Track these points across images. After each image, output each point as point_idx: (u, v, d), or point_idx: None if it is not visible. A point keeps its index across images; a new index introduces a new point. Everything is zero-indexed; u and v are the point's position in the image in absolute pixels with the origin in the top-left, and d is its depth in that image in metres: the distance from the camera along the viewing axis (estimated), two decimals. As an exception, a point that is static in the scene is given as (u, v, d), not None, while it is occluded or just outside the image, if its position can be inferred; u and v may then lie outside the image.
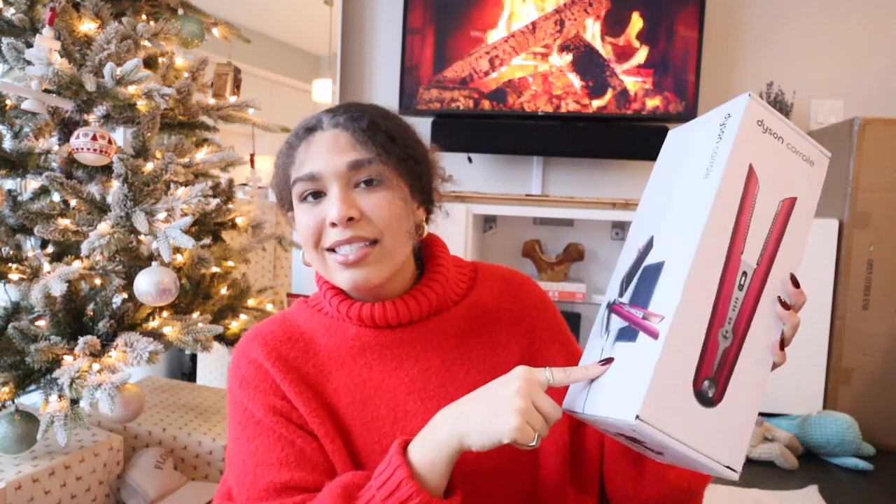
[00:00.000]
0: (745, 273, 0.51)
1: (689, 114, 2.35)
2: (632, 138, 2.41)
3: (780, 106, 2.37)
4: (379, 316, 0.68)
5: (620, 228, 2.63)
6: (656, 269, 0.54)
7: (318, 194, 0.65)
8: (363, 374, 0.69)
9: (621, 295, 0.58)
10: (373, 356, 0.70)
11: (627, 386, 0.49)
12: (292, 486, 0.63)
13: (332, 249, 0.65)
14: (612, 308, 0.59)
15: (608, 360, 0.54)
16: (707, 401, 0.48)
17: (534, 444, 0.52)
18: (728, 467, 0.48)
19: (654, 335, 0.49)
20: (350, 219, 0.63)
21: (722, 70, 2.54)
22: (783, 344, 0.51)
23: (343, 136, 0.65)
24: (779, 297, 0.52)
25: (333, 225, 0.63)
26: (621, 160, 2.59)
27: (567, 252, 2.56)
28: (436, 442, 0.56)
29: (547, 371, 0.55)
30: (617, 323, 0.56)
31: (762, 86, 2.47)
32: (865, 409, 2.07)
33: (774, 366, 0.52)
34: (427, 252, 0.75)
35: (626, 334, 0.53)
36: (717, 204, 0.50)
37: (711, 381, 0.48)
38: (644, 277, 0.55)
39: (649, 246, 0.58)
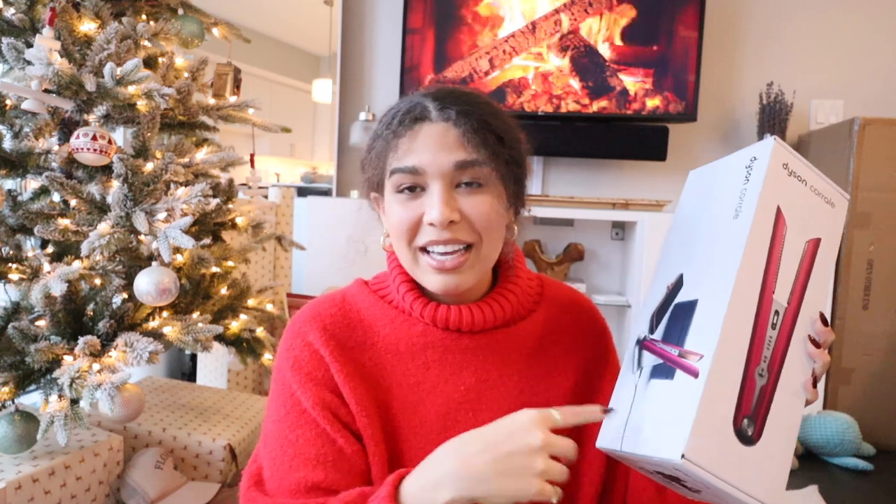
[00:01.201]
0: (777, 312, 0.52)
1: (689, 114, 2.35)
2: (632, 138, 2.41)
3: (780, 106, 2.36)
4: (454, 319, 0.67)
5: (620, 228, 2.63)
6: (689, 307, 0.54)
7: (414, 188, 0.62)
8: (419, 374, 0.68)
9: (652, 332, 0.58)
10: (433, 357, 0.68)
11: (668, 425, 0.49)
12: (324, 487, 0.62)
13: (425, 250, 0.63)
14: (644, 344, 0.59)
15: (608, 411, 0.57)
16: (747, 439, 0.48)
17: (555, 500, 0.51)
18: None
19: (693, 374, 0.49)
20: (451, 222, 0.61)
21: (722, 70, 2.54)
22: (814, 382, 0.52)
23: (452, 132, 0.61)
24: (809, 335, 0.53)
25: (432, 224, 0.61)
26: (621, 160, 2.59)
27: (567, 252, 2.56)
28: (433, 497, 0.52)
29: (556, 412, 0.54)
30: (650, 360, 0.56)
31: (762, 86, 2.47)
32: (865, 409, 2.07)
33: (807, 403, 0.52)
34: (504, 260, 0.72)
35: (662, 372, 0.53)
36: (749, 244, 0.51)
37: (750, 420, 0.49)
38: (676, 315, 0.56)
39: (679, 284, 0.58)
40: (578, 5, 2.39)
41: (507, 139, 0.64)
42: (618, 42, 2.39)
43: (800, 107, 2.47)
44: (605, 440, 0.57)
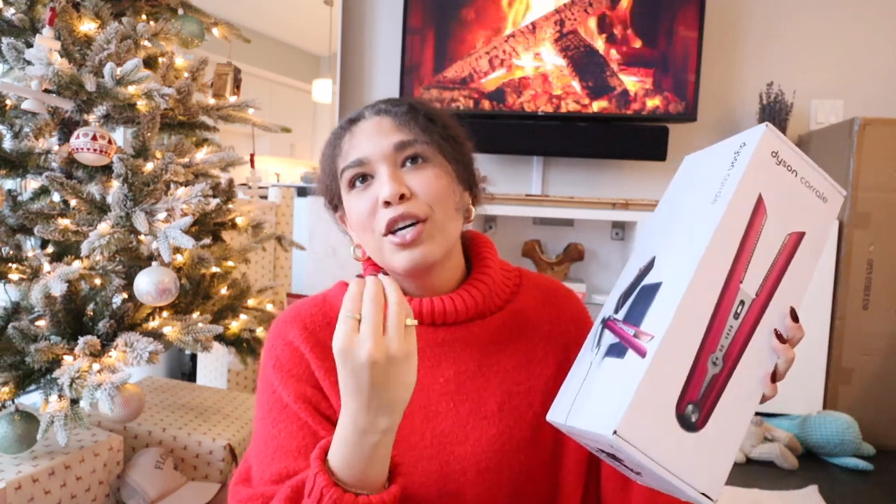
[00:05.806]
0: (742, 302, 0.51)
1: (688, 114, 2.35)
2: (632, 138, 2.41)
3: (780, 106, 2.37)
4: (426, 312, 0.69)
5: (620, 228, 2.63)
6: (653, 288, 0.54)
7: (365, 178, 0.67)
8: None
9: (616, 311, 0.58)
10: None
11: (610, 401, 0.49)
12: None
13: (388, 233, 0.65)
14: (606, 324, 0.59)
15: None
16: (689, 425, 0.47)
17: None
18: (704, 494, 0.47)
19: (641, 353, 0.49)
20: (402, 196, 0.64)
21: (722, 70, 2.54)
22: (776, 377, 0.51)
23: (386, 120, 0.67)
24: (775, 329, 0.52)
25: (387, 204, 0.64)
26: (621, 160, 2.59)
27: (567, 252, 2.56)
28: (345, 438, 0.55)
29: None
30: (608, 338, 0.56)
31: (762, 86, 2.47)
32: (865, 409, 2.07)
33: (764, 398, 0.51)
34: (475, 252, 0.75)
35: (616, 350, 0.53)
36: (720, 229, 0.50)
37: (696, 406, 0.48)
38: (640, 296, 0.55)
39: (650, 266, 0.58)
40: (578, 5, 2.39)
41: (437, 119, 0.69)
42: (617, 42, 2.39)
43: (800, 107, 2.47)
44: (554, 414, 0.57)
